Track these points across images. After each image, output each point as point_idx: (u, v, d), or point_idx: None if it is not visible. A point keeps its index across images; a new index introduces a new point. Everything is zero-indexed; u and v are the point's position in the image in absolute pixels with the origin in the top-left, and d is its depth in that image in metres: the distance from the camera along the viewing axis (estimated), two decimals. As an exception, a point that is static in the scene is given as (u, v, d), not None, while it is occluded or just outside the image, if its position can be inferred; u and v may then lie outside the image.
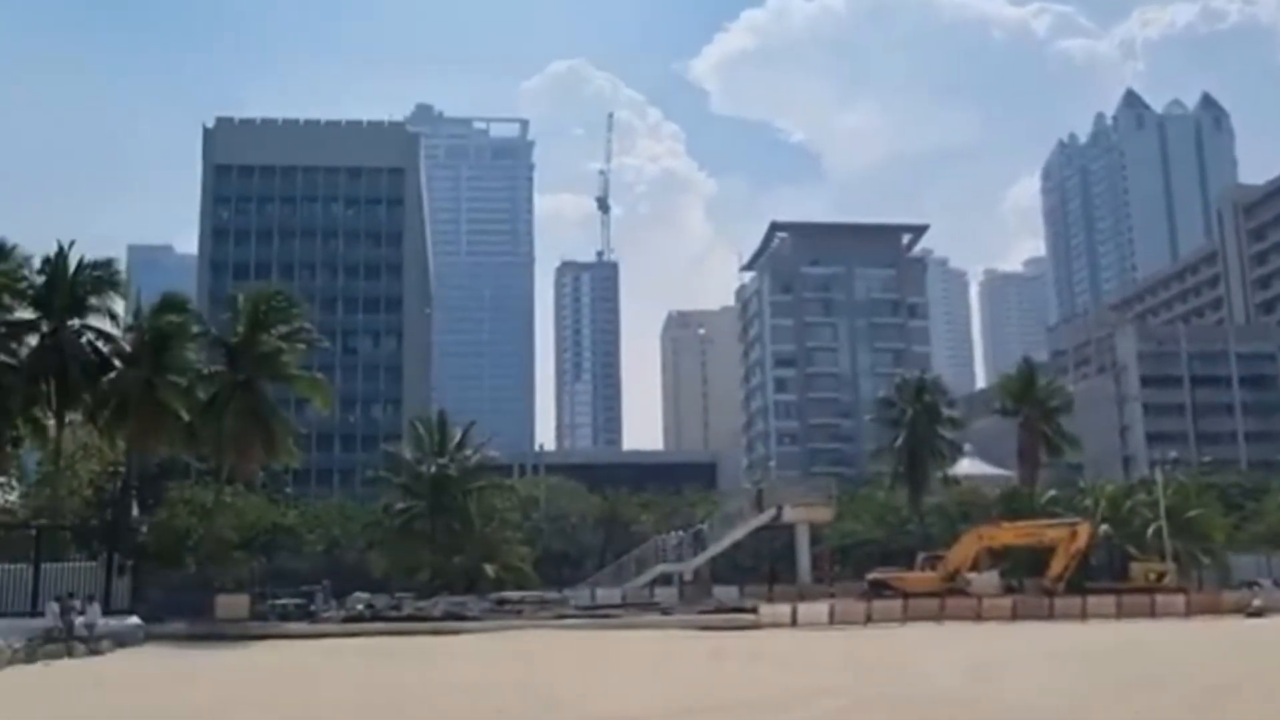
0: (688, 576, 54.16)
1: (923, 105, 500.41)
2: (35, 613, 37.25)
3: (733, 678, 25.11)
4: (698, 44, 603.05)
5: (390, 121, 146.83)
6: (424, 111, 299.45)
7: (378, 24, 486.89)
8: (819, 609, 42.98)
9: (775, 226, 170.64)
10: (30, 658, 31.09)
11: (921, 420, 64.64)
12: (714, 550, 55.21)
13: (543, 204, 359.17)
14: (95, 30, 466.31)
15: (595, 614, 44.82)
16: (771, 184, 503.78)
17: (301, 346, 51.25)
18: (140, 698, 23.26)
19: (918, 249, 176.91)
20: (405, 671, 27.63)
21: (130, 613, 40.41)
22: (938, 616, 42.49)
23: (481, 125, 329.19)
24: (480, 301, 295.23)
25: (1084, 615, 42.83)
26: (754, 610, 44.07)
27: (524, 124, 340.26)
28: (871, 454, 75.87)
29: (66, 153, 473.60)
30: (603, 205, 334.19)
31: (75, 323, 47.30)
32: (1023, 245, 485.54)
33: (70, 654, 33.21)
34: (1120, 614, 43.02)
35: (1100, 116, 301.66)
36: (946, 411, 67.15)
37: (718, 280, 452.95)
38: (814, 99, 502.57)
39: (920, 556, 52.17)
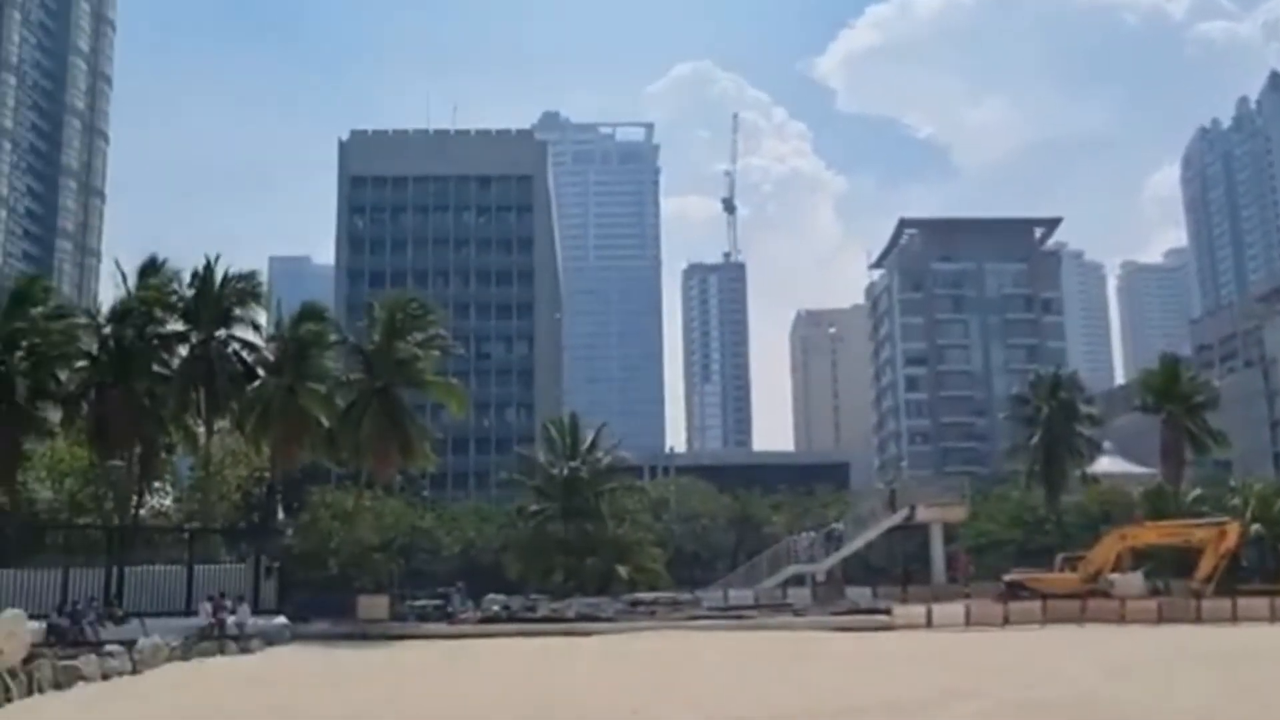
0: (820, 577, 53.79)
1: (1054, 95, 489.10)
2: (189, 612, 38.64)
3: (869, 679, 24.94)
4: (822, 42, 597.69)
5: (518, 129, 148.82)
6: (550, 118, 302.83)
7: (503, 33, 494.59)
8: (954, 610, 42.31)
9: (904, 223, 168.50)
10: (186, 655, 32.28)
11: (1058, 418, 63.17)
12: (846, 551, 54.73)
13: (669, 206, 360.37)
14: (236, 53, 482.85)
15: (728, 615, 44.81)
16: (900, 180, 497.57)
17: (436, 353, 52.27)
18: (297, 694, 24.02)
19: (1051, 242, 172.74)
20: (542, 671, 28.06)
21: (277, 612, 41.66)
22: (1079, 619, 41.44)
23: (607, 130, 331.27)
24: (609, 305, 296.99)
25: (1234, 618, 41.31)
26: (888, 611, 43.59)
27: (649, 128, 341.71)
28: (1006, 452, 74.35)
29: (213, 169, 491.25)
30: (729, 206, 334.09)
31: (222, 333, 48.99)
32: (1163, 236, 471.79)
33: (223, 651, 34.36)
34: (1273, 617, 41.41)
35: (1243, 100, 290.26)
36: (1084, 408, 65.49)
37: (847, 279, 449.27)
38: (942, 93, 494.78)
39: (1059, 557, 50.92)
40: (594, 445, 58.74)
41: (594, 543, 54.41)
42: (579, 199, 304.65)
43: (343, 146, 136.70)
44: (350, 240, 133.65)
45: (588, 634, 39.82)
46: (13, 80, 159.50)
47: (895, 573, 56.74)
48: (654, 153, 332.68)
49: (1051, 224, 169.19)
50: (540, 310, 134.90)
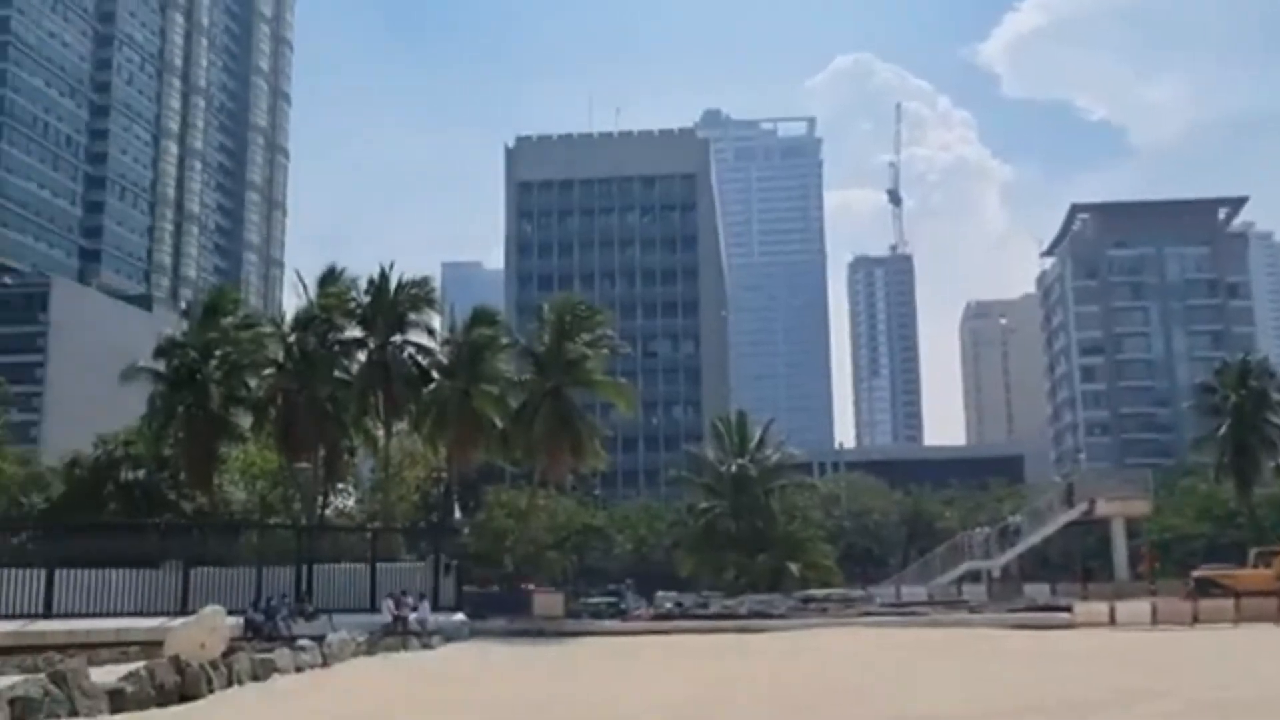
0: (996, 574, 52.70)
1: (1236, 67, 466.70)
2: (373, 608, 39.85)
3: (1049, 677, 24.34)
4: (986, 27, 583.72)
5: (680, 128, 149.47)
6: (712, 116, 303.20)
7: (663, 34, 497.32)
8: (1139, 608, 40.86)
9: (1076, 208, 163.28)
10: (372, 650, 33.27)
11: (1248, 406, 60.42)
12: (1023, 546, 53.44)
13: (832, 200, 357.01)
14: (405, 66, 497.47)
15: (901, 611, 44.29)
16: (1071, 166, 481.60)
17: (605, 352, 52.87)
18: (478, 688, 24.61)
19: (1237, 223, 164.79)
20: (715, 667, 28.21)
21: (456, 609, 42.67)
22: (1275, 618, 39.60)
23: (769, 126, 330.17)
24: (774, 301, 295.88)
25: None
26: (1068, 609, 42.40)
27: (811, 122, 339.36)
28: (1192, 444, 71.51)
29: (385, 179, 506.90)
30: (894, 198, 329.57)
31: (398, 338, 50.22)
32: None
33: (405, 647, 35.25)
34: None
35: None
36: (1277, 396, 62.54)
37: (1017, 268, 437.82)
38: (1113, 72, 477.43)
39: (1253, 552, 48.74)
40: (762, 442, 58.73)
41: (765, 539, 54.41)
42: (742, 195, 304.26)
43: (509, 153, 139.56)
44: (519, 244, 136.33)
45: (760, 631, 39.77)
46: (201, 103, 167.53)
47: (1074, 569, 55.27)
48: (816, 146, 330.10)
49: (1237, 204, 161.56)
50: (706, 308, 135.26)
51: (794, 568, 53.19)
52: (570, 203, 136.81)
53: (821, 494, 66.35)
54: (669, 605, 45.67)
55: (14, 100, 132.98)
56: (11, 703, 16.00)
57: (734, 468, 56.48)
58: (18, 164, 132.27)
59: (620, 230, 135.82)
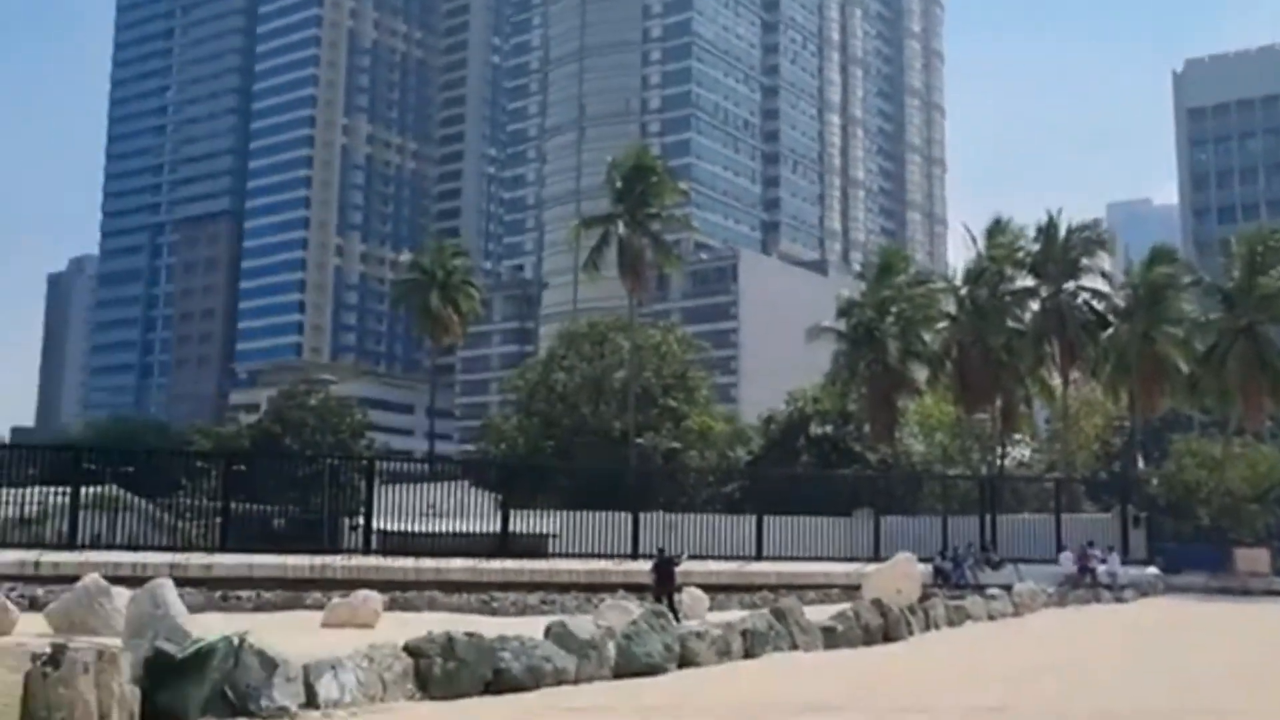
0: None
1: None
2: (1052, 560, 39.42)
3: None
4: None
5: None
6: None
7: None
8: None
9: None
10: (1062, 601, 33.23)
11: None
12: None
13: None
14: (1057, 6, 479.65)
15: None
16: None
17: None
18: (1190, 645, 23.39)
19: None
20: None
21: (1147, 563, 41.17)
22: None
23: None
24: None
25: None
26: None
27: None
28: None
29: (1040, 123, 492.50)
30: None
31: (1070, 285, 49.78)
32: None
33: (1097, 600, 34.82)
34: None
35: None
36: None
37: None
38: None
39: None
40: None
41: None
42: None
43: (1177, 79, 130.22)
44: (1193, 175, 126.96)
45: None
46: (859, 72, 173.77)
47: None
48: None
49: None
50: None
51: None
52: (1252, 124, 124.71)
53: None
54: None
55: (699, 94, 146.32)
56: (743, 634, 18.05)
57: None
58: (706, 150, 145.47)
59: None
